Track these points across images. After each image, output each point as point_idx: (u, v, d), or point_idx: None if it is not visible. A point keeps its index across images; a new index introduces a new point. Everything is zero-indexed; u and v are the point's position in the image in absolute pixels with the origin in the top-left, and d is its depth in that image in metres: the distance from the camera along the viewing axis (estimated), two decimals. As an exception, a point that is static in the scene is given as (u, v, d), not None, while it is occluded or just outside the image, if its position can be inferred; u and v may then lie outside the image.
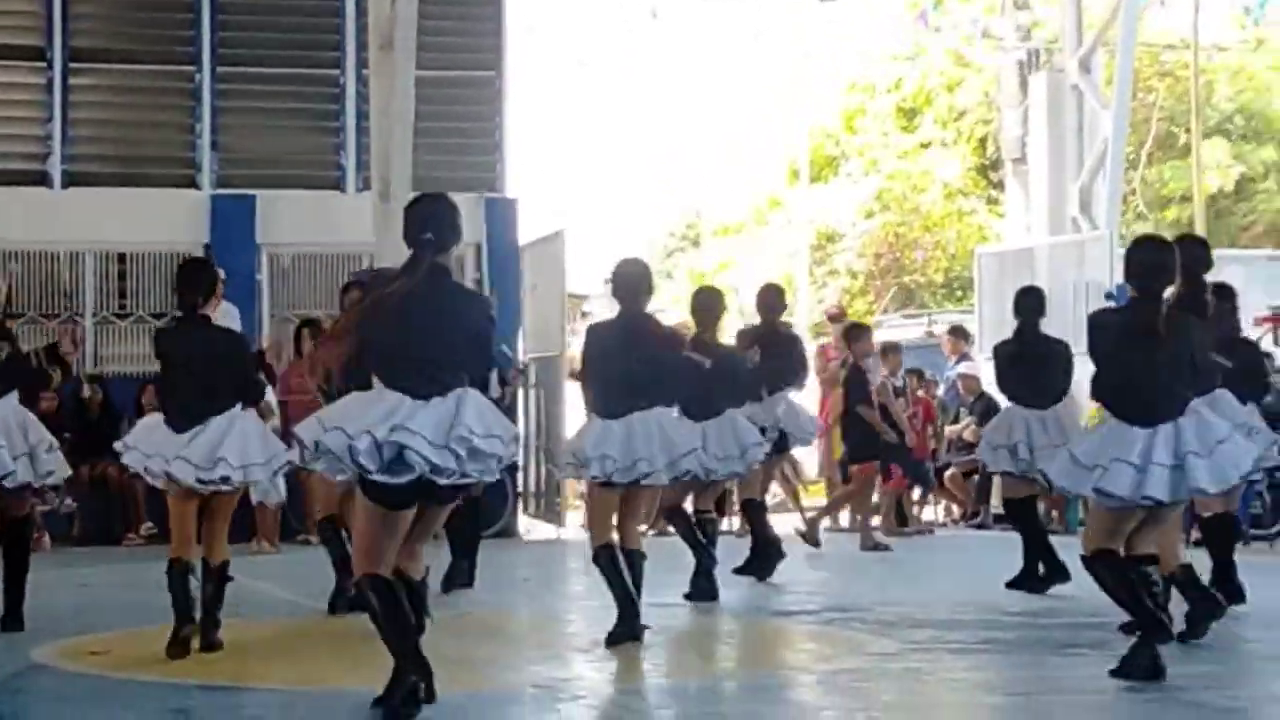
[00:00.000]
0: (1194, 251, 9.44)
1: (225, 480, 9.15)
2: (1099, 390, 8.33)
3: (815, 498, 20.20)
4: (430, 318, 7.27)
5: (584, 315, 29.15)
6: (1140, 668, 7.96)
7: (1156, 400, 8.01)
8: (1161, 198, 34.43)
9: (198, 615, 9.23)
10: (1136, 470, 7.92)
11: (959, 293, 34.05)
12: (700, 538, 11.83)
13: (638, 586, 9.63)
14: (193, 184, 18.81)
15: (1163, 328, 8.06)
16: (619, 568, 9.51)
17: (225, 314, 11.77)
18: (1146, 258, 8.29)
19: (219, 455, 9.10)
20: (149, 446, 9.23)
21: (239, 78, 19.13)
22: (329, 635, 10.31)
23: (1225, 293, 10.01)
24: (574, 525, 19.40)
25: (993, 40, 27.55)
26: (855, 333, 16.70)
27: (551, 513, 19.07)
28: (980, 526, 18.89)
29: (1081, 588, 12.04)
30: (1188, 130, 33.05)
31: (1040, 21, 27.02)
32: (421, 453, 7.04)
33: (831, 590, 12.67)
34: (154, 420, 9.43)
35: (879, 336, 19.92)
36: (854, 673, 8.79)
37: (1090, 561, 8.22)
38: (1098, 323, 8.40)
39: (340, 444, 7.07)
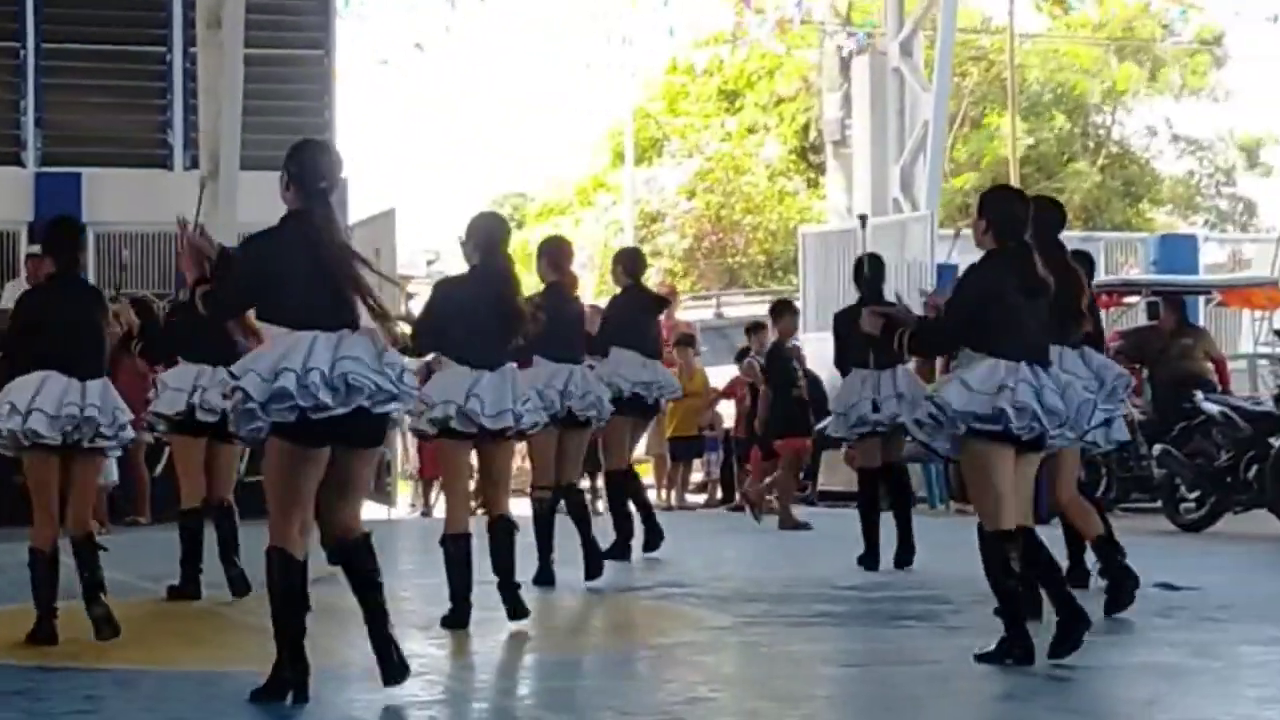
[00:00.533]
0: (1046, 211, 9.46)
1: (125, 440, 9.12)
2: (970, 333, 8.05)
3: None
4: (340, 254, 7.20)
5: (410, 297, 29.08)
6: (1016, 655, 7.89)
7: (1034, 345, 8.01)
8: (955, 165, 35.05)
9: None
10: (1033, 389, 7.91)
11: (780, 273, 34.44)
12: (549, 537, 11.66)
13: (511, 560, 9.55)
14: (17, 161, 18.55)
15: (1045, 275, 8.08)
16: (467, 562, 9.36)
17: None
18: (1011, 209, 8.19)
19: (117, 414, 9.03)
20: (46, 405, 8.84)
21: (65, 54, 18.92)
22: (165, 616, 10.29)
23: (1084, 259, 10.17)
24: (404, 505, 19.43)
25: (812, 25, 27.89)
26: (780, 309, 16.57)
27: (381, 493, 19.05)
28: (806, 503, 19.14)
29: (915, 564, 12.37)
30: (994, 108, 33.80)
31: (859, 6, 27.39)
32: (367, 376, 6.94)
33: (664, 567, 12.78)
34: (32, 380, 8.91)
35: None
36: (691, 646, 8.94)
37: (985, 540, 7.93)
38: (978, 269, 8.17)
39: (291, 383, 6.86)
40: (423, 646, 8.98)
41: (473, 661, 8.81)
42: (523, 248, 39.49)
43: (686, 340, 19.22)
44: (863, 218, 13.90)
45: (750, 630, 9.44)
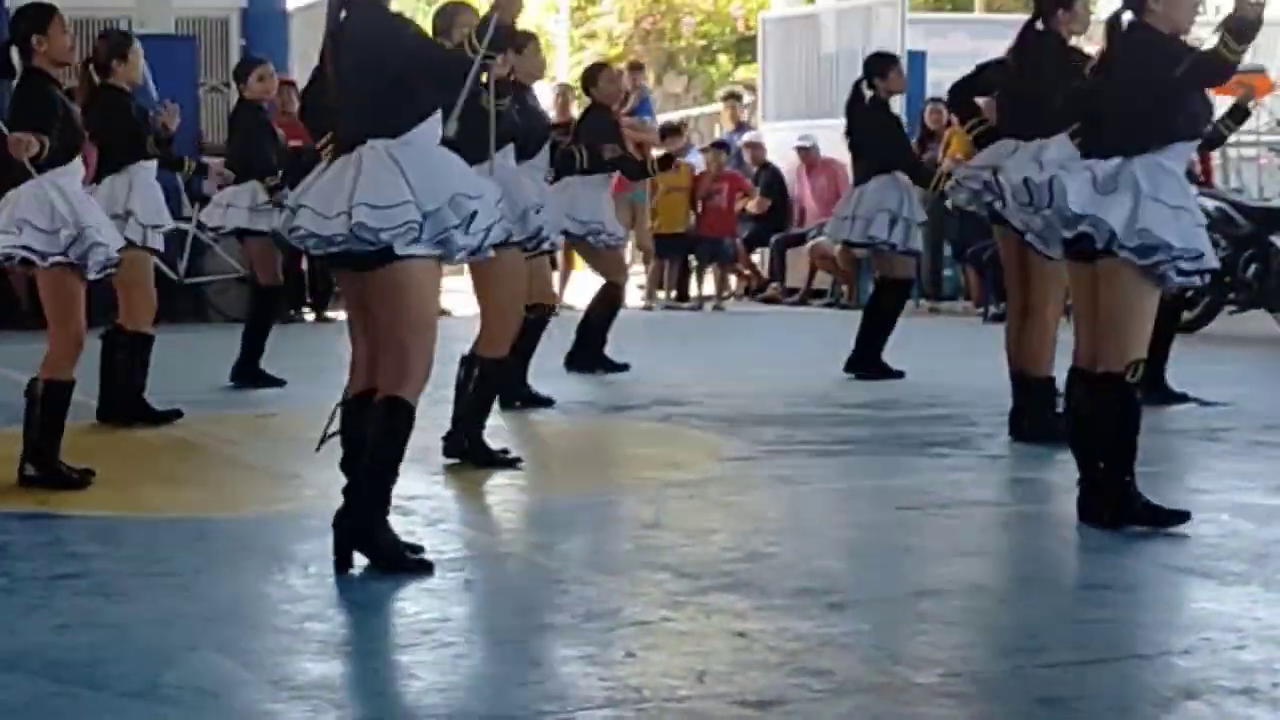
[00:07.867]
0: None
1: None
2: None
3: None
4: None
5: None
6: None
7: None
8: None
9: None
10: None
11: (719, 56, 33.47)
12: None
13: None
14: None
15: None
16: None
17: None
18: None
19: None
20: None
21: None
22: (135, 449, 9.43)
23: None
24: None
25: None
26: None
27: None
28: (769, 300, 18.53)
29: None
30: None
31: None
32: None
33: (649, 378, 12.05)
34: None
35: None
36: (720, 482, 8.21)
37: (1129, 388, 6.64)
38: None
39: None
40: (428, 486, 8.18)
41: (486, 504, 8.09)
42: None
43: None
44: None
45: (775, 462, 8.74)
